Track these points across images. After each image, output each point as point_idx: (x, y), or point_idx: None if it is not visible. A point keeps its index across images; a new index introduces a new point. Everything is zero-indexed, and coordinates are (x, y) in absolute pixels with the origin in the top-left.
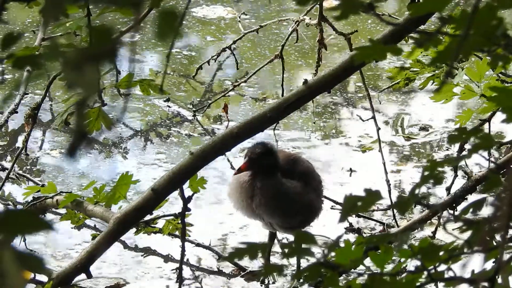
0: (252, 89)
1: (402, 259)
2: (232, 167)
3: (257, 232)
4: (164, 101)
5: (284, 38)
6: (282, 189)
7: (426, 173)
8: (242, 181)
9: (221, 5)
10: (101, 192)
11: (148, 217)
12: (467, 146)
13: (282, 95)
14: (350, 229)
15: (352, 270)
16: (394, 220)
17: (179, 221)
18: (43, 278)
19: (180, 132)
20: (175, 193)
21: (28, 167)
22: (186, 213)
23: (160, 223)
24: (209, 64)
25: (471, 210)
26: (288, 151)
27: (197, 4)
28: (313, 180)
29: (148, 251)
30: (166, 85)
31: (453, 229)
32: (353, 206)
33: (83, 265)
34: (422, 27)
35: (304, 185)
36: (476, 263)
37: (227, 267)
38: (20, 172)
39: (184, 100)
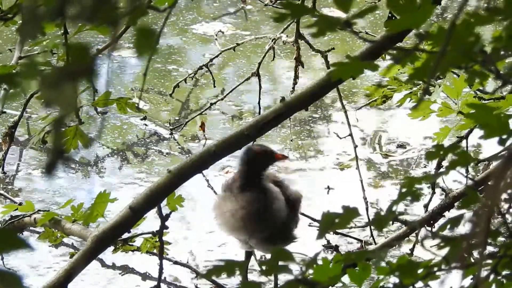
0: (236, 108)
1: (380, 276)
2: (209, 185)
3: (235, 250)
4: (141, 119)
5: (276, 54)
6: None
7: (403, 190)
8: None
9: (220, 21)
10: (79, 210)
11: (126, 235)
12: (445, 163)
13: (259, 113)
14: (328, 246)
15: (330, 287)
16: (371, 237)
17: (157, 239)
18: None
19: (161, 150)
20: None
21: (10, 186)
22: (164, 231)
23: (138, 241)
24: (186, 82)
25: (448, 226)
26: (275, 173)
27: (197, 21)
28: (297, 210)
29: (126, 269)
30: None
31: (431, 246)
32: (331, 223)
33: (61, 284)
34: (399, 44)
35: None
36: (454, 280)
37: (205, 285)
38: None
39: (162, 118)
